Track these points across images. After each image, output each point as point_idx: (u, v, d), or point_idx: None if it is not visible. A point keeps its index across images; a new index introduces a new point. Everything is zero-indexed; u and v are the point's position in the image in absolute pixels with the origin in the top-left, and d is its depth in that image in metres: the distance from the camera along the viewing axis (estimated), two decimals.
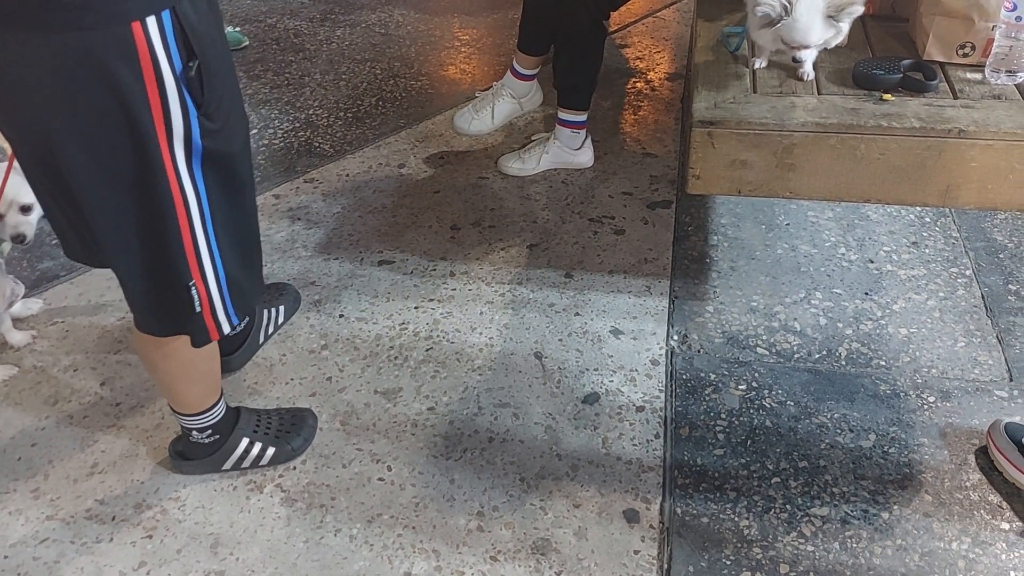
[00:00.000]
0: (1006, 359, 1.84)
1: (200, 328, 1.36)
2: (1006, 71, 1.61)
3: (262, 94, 2.96)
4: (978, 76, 1.65)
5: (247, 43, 3.41)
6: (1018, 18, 1.53)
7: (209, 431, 1.59)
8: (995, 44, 1.60)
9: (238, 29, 3.49)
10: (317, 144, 2.68)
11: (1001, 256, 2.13)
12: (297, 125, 2.78)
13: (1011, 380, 1.79)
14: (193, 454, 1.64)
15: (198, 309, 1.33)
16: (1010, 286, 2.03)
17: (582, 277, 2.10)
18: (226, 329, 1.39)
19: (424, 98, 2.91)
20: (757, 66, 1.75)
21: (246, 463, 1.65)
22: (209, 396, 1.56)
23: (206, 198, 1.25)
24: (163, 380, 1.50)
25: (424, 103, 2.88)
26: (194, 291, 1.31)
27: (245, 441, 1.64)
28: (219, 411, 1.59)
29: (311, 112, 2.85)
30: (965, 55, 1.67)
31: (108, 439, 1.73)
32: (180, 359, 1.40)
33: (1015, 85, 1.62)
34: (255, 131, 2.74)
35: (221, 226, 1.30)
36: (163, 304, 1.33)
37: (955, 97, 1.61)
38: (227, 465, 1.64)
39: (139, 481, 1.65)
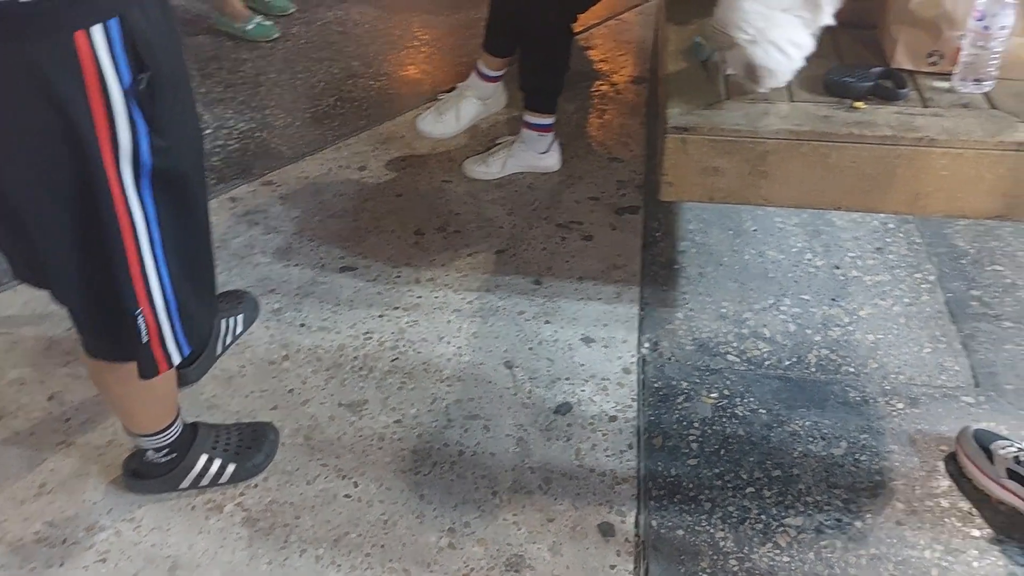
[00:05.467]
0: (971, 365, 1.86)
1: (147, 359, 1.28)
2: (973, 79, 1.62)
3: (216, 93, 2.87)
4: (946, 84, 1.66)
5: (293, 10, 3.40)
6: (986, 27, 1.54)
7: (166, 450, 1.52)
8: (963, 53, 1.61)
9: None
10: (275, 145, 2.61)
11: (963, 262, 2.15)
12: (253, 125, 2.70)
13: (977, 386, 1.81)
14: (148, 473, 1.56)
15: (145, 340, 1.25)
16: (972, 291, 2.06)
17: (551, 284, 2.07)
18: (176, 360, 1.31)
19: (384, 99, 2.85)
20: (730, 72, 1.73)
21: (205, 481, 1.58)
22: (166, 416, 1.49)
23: (155, 220, 1.17)
24: (116, 403, 1.43)
25: (385, 104, 2.82)
26: (141, 320, 1.22)
27: (204, 458, 1.57)
28: (176, 429, 1.52)
29: (267, 112, 2.77)
30: (933, 63, 1.68)
31: (57, 457, 1.65)
32: (135, 381, 1.31)
33: (983, 94, 1.63)
34: (209, 131, 2.65)
35: (171, 250, 1.22)
36: (108, 332, 1.25)
37: (925, 105, 1.61)
38: (185, 483, 1.58)
39: (91, 501, 1.57)
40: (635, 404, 1.77)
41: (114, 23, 1.01)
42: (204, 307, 1.36)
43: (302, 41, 3.22)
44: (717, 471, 1.64)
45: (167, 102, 1.10)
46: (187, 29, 3.25)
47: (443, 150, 2.56)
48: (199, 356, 1.80)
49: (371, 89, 2.90)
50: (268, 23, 3.21)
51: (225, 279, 2.08)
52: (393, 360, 1.87)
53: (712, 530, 1.54)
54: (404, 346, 1.91)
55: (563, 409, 1.76)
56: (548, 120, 2.35)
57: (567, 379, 1.82)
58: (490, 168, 2.41)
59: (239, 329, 1.92)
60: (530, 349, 1.89)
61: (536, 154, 2.40)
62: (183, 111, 1.18)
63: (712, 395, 1.80)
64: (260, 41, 3.18)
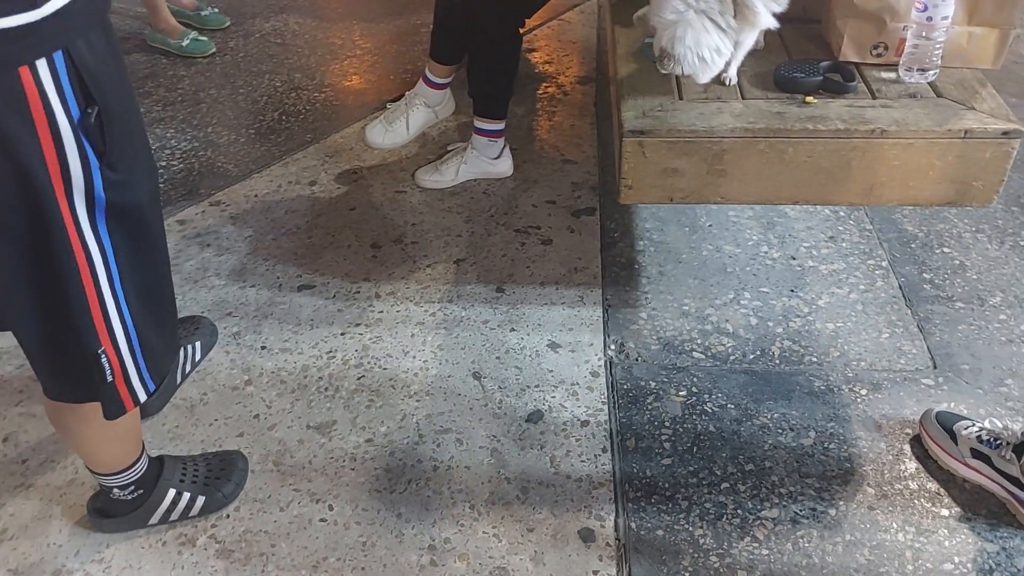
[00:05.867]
0: (928, 347, 1.90)
1: (113, 399, 1.24)
2: (918, 69, 1.66)
3: (155, 112, 2.79)
4: (892, 75, 1.70)
5: (229, 23, 3.34)
6: (929, 18, 1.58)
7: (132, 487, 1.47)
8: (907, 43, 1.64)
9: (215, 10, 3.33)
10: (220, 164, 2.55)
11: (913, 246, 2.20)
12: (196, 144, 2.63)
13: (935, 368, 1.85)
14: (115, 511, 1.51)
15: (110, 379, 1.21)
16: (924, 275, 2.11)
17: (514, 291, 2.06)
18: (142, 397, 1.27)
19: (330, 110, 2.81)
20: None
21: (174, 515, 1.54)
22: (131, 452, 1.44)
23: (112, 256, 1.13)
24: (78, 443, 1.38)
25: (330, 116, 2.78)
26: (104, 359, 1.18)
27: (172, 492, 1.53)
28: (141, 466, 1.47)
29: (210, 130, 2.70)
30: (879, 55, 1.71)
31: (17, 501, 1.58)
32: (98, 420, 1.27)
33: (928, 83, 1.67)
34: None
35: (131, 285, 1.18)
36: (70, 374, 1.21)
37: (873, 97, 1.64)
38: (154, 519, 1.53)
39: (56, 544, 1.51)
40: (606, 407, 1.77)
41: (59, 56, 0.97)
42: (166, 341, 1.32)
43: (240, 55, 3.16)
44: (691, 469, 1.65)
45: (118, 135, 1.06)
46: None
47: (394, 160, 2.53)
48: (158, 387, 1.74)
49: (315, 101, 2.86)
50: (204, 38, 3.14)
51: (179, 304, 2.02)
52: (359, 378, 1.84)
53: (691, 528, 1.55)
54: (369, 363, 1.88)
55: (535, 417, 1.75)
56: (499, 126, 2.34)
57: (536, 386, 1.81)
58: (443, 176, 2.39)
59: (198, 356, 1.87)
60: (497, 358, 1.88)
61: (489, 160, 2.39)
62: (135, 143, 1.14)
63: (681, 393, 1.81)
64: (197, 57, 3.11)
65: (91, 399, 1.24)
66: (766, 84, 1.69)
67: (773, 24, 1.63)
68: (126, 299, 1.17)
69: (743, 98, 1.66)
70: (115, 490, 1.47)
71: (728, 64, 1.67)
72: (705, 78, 1.58)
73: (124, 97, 1.10)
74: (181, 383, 1.82)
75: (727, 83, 1.69)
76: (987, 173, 1.58)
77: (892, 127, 1.55)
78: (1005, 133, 1.54)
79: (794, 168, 1.60)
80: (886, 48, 1.70)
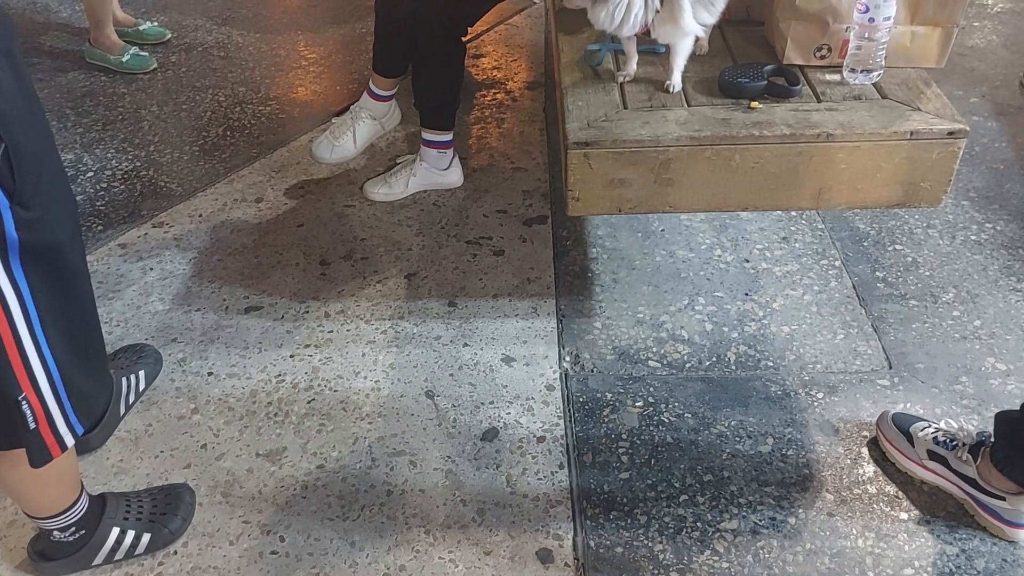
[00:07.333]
0: (883, 347, 1.90)
1: (37, 446, 1.18)
2: (862, 70, 1.65)
3: (94, 132, 2.71)
4: (837, 77, 1.69)
5: (170, 36, 3.27)
6: (871, 19, 1.57)
7: (72, 528, 1.42)
8: (850, 45, 1.63)
9: (155, 23, 3.25)
10: (163, 183, 2.48)
11: (865, 244, 2.20)
12: (138, 164, 2.56)
13: (890, 368, 1.85)
14: (56, 553, 1.45)
15: (33, 426, 1.15)
16: (877, 273, 2.11)
17: (466, 304, 2.03)
18: (69, 442, 1.22)
19: (276, 124, 2.75)
20: (622, 80, 1.72)
21: (119, 555, 1.48)
22: (68, 494, 1.38)
23: (30, 298, 1.08)
24: (11, 490, 1.32)
25: (276, 129, 2.72)
26: (26, 406, 1.13)
27: (115, 531, 1.47)
28: (81, 507, 1.41)
29: (152, 148, 2.63)
30: (822, 57, 1.70)
31: None
32: (28, 465, 1.22)
33: (873, 84, 1.66)
34: (91, 174, 2.50)
35: (52, 326, 1.13)
36: None
37: (819, 100, 1.63)
38: (98, 560, 1.47)
39: None
40: (562, 422, 1.74)
41: None
42: (96, 381, 1.26)
43: (182, 70, 3.08)
44: (650, 482, 1.63)
45: (29, 171, 1.01)
46: (57, 65, 3.07)
47: (342, 173, 2.48)
48: (101, 419, 1.68)
49: (261, 115, 2.79)
50: (144, 53, 3.06)
51: (121, 332, 1.96)
52: (309, 402, 1.79)
53: (650, 544, 1.52)
54: (320, 385, 1.83)
55: (490, 435, 1.71)
56: (447, 136, 2.30)
57: (491, 403, 1.78)
58: (393, 189, 2.35)
59: (142, 385, 1.80)
60: (450, 375, 1.84)
61: (438, 171, 2.35)
62: (51, 177, 1.08)
63: (637, 404, 1.79)
64: (137, 73, 3.03)
65: (15, 446, 1.19)
66: (711, 90, 1.67)
67: (699, 32, 1.61)
68: (48, 342, 1.12)
69: (688, 105, 1.63)
70: (55, 532, 1.41)
71: (671, 70, 1.66)
72: (605, 21, 1.56)
73: (35, 130, 1.04)
74: (125, 414, 1.76)
75: (671, 90, 1.67)
76: (934, 173, 1.57)
77: (838, 131, 1.53)
78: (951, 133, 1.53)
79: (741, 175, 1.58)
80: (829, 50, 1.69)
